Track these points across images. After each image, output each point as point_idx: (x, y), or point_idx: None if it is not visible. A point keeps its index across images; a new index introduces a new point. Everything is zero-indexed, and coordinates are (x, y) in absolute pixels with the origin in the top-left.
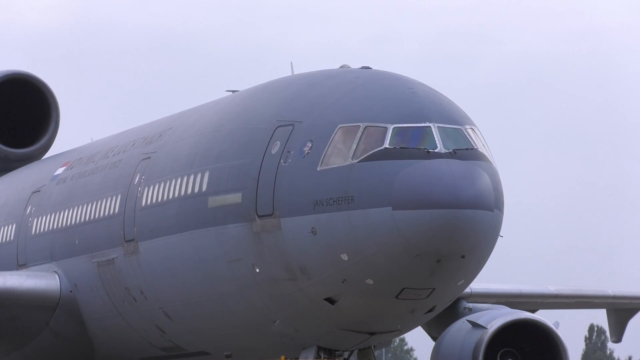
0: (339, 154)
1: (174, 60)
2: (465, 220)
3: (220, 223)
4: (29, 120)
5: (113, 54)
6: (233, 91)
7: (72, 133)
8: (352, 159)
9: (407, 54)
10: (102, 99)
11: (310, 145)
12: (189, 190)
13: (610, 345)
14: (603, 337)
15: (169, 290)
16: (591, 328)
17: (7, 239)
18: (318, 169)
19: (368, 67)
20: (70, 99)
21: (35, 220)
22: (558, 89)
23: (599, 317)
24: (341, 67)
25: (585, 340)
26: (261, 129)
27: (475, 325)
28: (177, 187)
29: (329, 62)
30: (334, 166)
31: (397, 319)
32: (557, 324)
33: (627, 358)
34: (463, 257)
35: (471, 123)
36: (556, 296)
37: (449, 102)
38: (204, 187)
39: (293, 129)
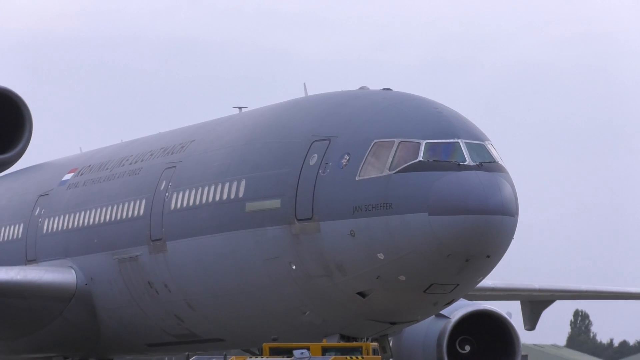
0: (376, 166)
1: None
2: (493, 225)
3: (258, 225)
4: (4, 130)
5: (114, 65)
6: (240, 108)
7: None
8: (389, 170)
9: (409, 59)
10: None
11: (347, 158)
12: (225, 196)
13: (594, 329)
14: (587, 322)
15: (195, 284)
16: (576, 313)
17: (15, 237)
18: (356, 179)
19: (389, 89)
20: (59, 110)
21: (46, 220)
22: (552, 92)
23: (584, 304)
24: (360, 88)
25: (571, 325)
26: (297, 143)
27: (438, 315)
28: (211, 193)
29: (336, 69)
30: (372, 176)
31: (420, 311)
32: (509, 314)
33: (609, 340)
34: (488, 257)
35: (489, 139)
36: (492, 289)
37: (469, 120)
38: (241, 194)
39: (330, 143)
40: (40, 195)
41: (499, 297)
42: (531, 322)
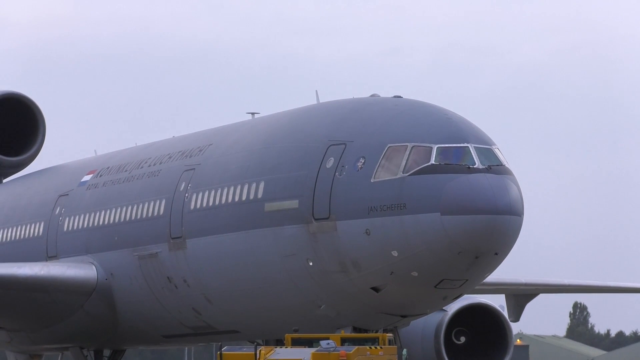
0: (390, 169)
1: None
2: (501, 224)
3: (277, 224)
4: (20, 133)
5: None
6: (253, 113)
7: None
8: (402, 173)
9: (418, 63)
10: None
11: (363, 161)
12: (244, 197)
13: (592, 320)
14: (585, 313)
15: (214, 279)
16: (575, 305)
17: (36, 234)
18: (372, 181)
19: (399, 96)
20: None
21: (67, 219)
22: (553, 94)
23: (582, 296)
24: (371, 95)
25: (570, 316)
26: (314, 147)
27: None
28: (230, 194)
29: (348, 73)
30: (386, 179)
31: (430, 304)
32: (502, 307)
33: (606, 331)
34: (496, 254)
35: (495, 143)
36: (483, 284)
37: (476, 126)
38: (260, 195)
39: (345, 147)
40: (60, 196)
41: (486, 291)
42: (515, 314)
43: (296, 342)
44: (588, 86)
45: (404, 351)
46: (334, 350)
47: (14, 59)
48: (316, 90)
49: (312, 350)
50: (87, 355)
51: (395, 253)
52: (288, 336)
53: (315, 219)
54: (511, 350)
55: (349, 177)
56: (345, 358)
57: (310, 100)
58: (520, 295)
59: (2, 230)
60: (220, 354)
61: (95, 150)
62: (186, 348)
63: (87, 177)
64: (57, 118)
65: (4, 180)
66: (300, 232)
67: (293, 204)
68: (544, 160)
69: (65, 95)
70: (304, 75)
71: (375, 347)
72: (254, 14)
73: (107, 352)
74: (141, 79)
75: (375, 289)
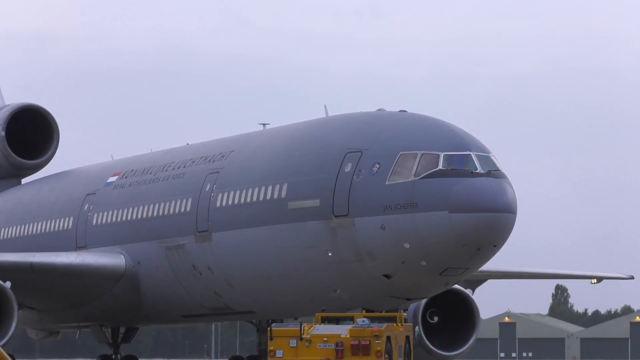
0: (402, 173)
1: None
2: (500, 221)
3: (299, 220)
4: (37, 139)
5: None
6: (264, 124)
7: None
8: (414, 177)
9: (421, 74)
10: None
11: (378, 166)
12: (268, 197)
13: (571, 300)
14: (565, 294)
15: (237, 267)
16: (557, 287)
17: (65, 227)
18: (386, 183)
19: (404, 111)
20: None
21: (95, 214)
22: (541, 101)
23: (563, 280)
24: (378, 110)
25: (552, 297)
26: (333, 154)
27: None
28: (255, 194)
29: (357, 83)
30: (400, 181)
31: (433, 289)
32: (470, 291)
33: (584, 310)
34: (495, 246)
35: (491, 151)
36: None
37: (474, 136)
38: (284, 195)
39: (362, 154)
40: (88, 194)
41: None
42: None
43: (323, 320)
44: (572, 94)
45: (416, 328)
46: (368, 327)
47: (48, 70)
48: (325, 105)
49: (349, 326)
50: (105, 332)
51: (407, 245)
52: (318, 315)
53: (335, 216)
54: (478, 328)
55: (366, 180)
56: (377, 333)
57: (315, 110)
58: (470, 281)
59: (32, 224)
60: (270, 330)
61: (111, 155)
62: (213, 324)
63: (112, 179)
64: (73, 125)
65: (22, 181)
66: (321, 226)
67: (315, 202)
68: (527, 159)
69: (82, 104)
70: (314, 85)
71: (397, 325)
72: (276, 30)
73: (122, 330)
74: (161, 90)
75: (387, 276)
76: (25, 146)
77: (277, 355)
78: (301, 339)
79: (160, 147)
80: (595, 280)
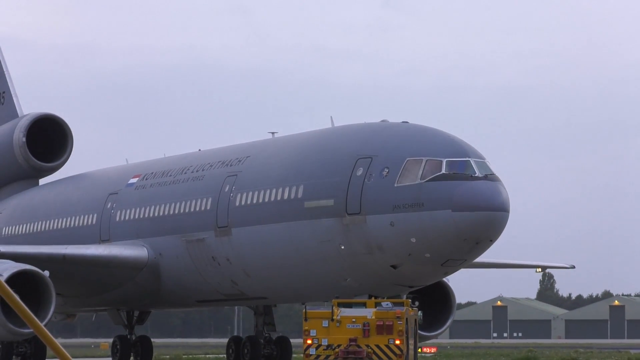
0: (409, 177)
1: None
2: (496, 218)
3: (315, 217)
4: (53, 145)
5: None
6: (273, 132)
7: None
8: (420, 180)
9: (423, 83)
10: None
11: (387, 171)
12: (285, 197)
13: (557, 285)
14: (552, 280)
15: (254, 258)
16: (544, 274)
17: (89, 223)
18: (395, 185)
19: (406, 122)
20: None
21: (118, 211)
22: (532, 109)
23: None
24: (382, 120)
25: (540, 283)
26: (345, 160)
27: None
28: (272, 194)
29: (365, 93)
30: (407, 184)
31: (433, 278)
32: (447, 278)
33: (568, 294)
34: (491, 240)
35: (486, 158)
36: None
37: (471, 144)
38: (300, 195)
39: (372, 160)
40: (110, 194)
41: None
42: None
43: (340, 305)
44: (560, 102)
45: (420, 313)
46: (391, 309)
47: (81, 81)
48: (331, 116)
49: (374, 309)
50: (121, 315)
51: (413, 239)
52: (335, 301)
53: (348, 214)
54: (454, 312)
55: (376, 183)
56: (400, 315)
57: (321, 120)
58: None
59: (57, 220)
60: (305, 312)
61: (126, 159)
62: (236, 307)
63: (133, 180)
64: (90, 130)
65: (40, 182)
66: (335, 223)
67: (329, 202)
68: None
69: (96, 111)
70: (320, 97)
71: (411, 308)
72: (298, 45)
73: (136, 313)
74: (177, 100)
75: (394, 266)
76: (43, 151)
77: (311, 334)
78: (332, 319)
79: (172, 153)
80: (539, 270)
